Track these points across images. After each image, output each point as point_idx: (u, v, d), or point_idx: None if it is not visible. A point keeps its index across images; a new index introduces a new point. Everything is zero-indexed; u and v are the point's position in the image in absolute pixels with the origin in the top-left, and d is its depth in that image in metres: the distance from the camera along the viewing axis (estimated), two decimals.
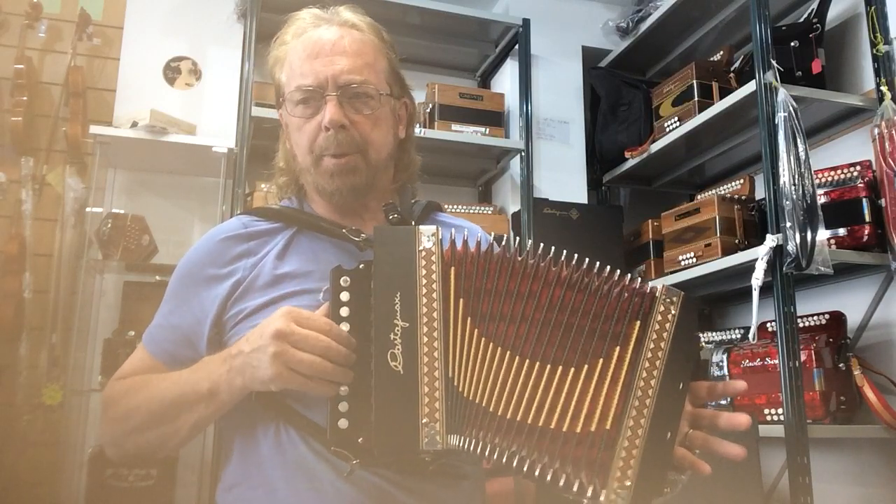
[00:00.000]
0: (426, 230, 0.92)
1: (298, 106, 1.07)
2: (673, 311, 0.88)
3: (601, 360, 0.87)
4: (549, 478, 0.83)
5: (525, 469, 0.84)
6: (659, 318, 0.88)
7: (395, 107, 1.15)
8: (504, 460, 0.84)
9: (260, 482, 0.99)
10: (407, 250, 0.91)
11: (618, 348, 0.88)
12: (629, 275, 0.92)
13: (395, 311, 0.88)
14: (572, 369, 0.87)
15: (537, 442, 0.85)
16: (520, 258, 0.91)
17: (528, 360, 0.88)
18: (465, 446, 0.86)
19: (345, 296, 0.92)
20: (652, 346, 0.87)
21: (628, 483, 0.83)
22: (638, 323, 0.88)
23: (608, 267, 0.91)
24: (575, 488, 0.83)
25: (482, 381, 0.88)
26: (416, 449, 0.85)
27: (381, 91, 1.09)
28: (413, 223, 1.08)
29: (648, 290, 0.89)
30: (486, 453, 0.85)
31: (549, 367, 0.88)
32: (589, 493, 0.83)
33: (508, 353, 0.88)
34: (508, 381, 0.88)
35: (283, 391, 0.97)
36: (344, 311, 0.91)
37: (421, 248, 0.91)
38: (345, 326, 0.91)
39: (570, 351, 0.88)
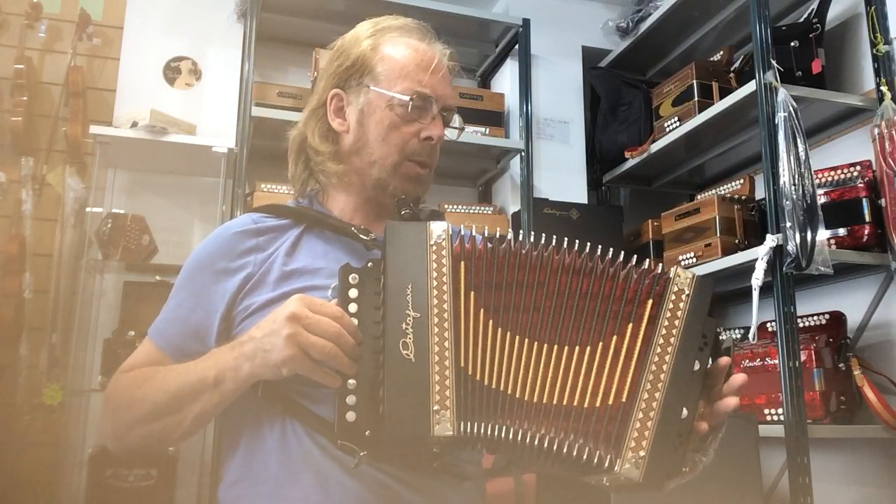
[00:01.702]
0: (436, 226, 0.94)
1: (408, 108, 1.10)
2: (687, 292, 0.92)
3: (615, 338, 0.91)
4: (565, 451, 0.86)
5: (545, 446, 0.86)
6: (673, 297, 0.92)
7: None
8: (528, 441, 0.87)
9: (265, 478, 1.00)
10: (418, 244, 0.93)
11: (631, 325, 0.91)
12: (634, 257, 0.95)
13: (406, 302, 0.90)
14: (588, 348, 0.91)
15: (555, 420, 0.88)
16: (524, 251, 0.94)
17: (545, 344, 0.91)
18: (481, 432, 0.87)
19: (353, 293, 0.93)
20: (666, 323, 0.91)
21: (642, 453, 0.86)
22: (650, 302, 0.92)
23: (611, 250, 0.94)
24: (595, 461, 0.86)
25: (497, 366, 0.90)
26: (427, 435, 0.86)
27: (460, 125, 1.21)
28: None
29: (661, 272, 0.93)
30: (507, 436, 0.87)
31: (566, 348, 0.91)
32: (606, 465, 0.86)
33: (526, 339, 0.91)
34: (523, 364, 0.90)
35: (289, 386, 0.98)
36: (352, 308, 0.93)
37: (432, 242, 0.93)
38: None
39: (585, 332, 0.92)
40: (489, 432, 0.87)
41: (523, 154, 2.86)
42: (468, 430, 0.87)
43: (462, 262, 0.93)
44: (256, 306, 1.04)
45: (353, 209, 1.16)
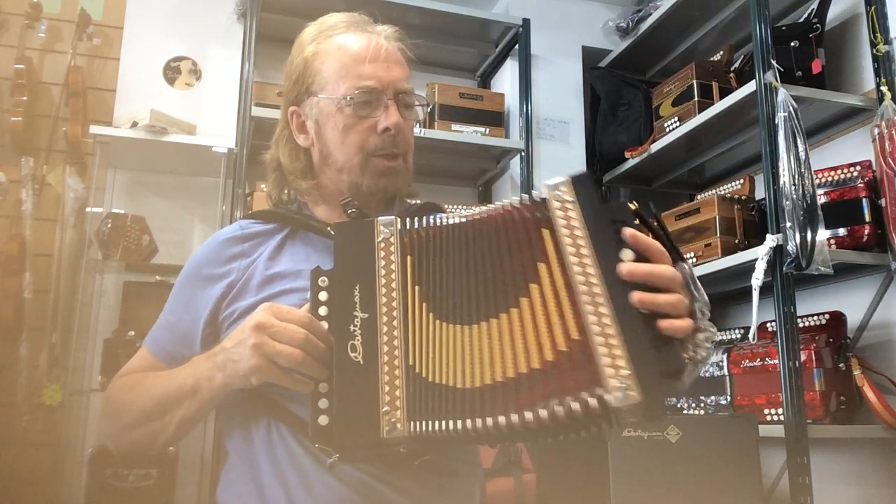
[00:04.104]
0: (384, 221, 0.93)
1: (353, 106, 1.08)
2: (569, 198, 0.85)
3: (535, 285, 0.85)
4: (554, 417, 0.78)
5: (526, 426, 0.79)
6: (560, 213, 0.85)
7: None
8: (490, 428, 0.81)
9: (252, 476, 1.02)
10: (366, 243, 0.92)
11: (543, 265, 0.85)
12: (523, 195, 0.91)
13: (354, 304, 0.89)
14: (516, 310, 0.85)
15: (524, 394, 0.81)
16: (456, 222, 0.92)
17: (475, 326, 0.86)
18: (434, 429, 0.84)
19: (323, 296, 0.93)
20: (570, 241, 0.83)
21: (625, 372, 0.76)
22: (546, 231, 0.86)
23: (505, 200, 0.91)
24: (579, 409, 0.77)
25: (439, 360, 0.87)
26: (377, 438, 0.85)
27: (421, 102, 1.15)
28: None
29: (539, 197, 0.88)
30: (462, 429, 0.82)
31: (494, 321, 0.86)
32: (596, 405, 0.77)
33: (458, 325, 0.87)
34: (460, 352, 0.86)
35: (271, 388, 0.98)
36: (322, 311, 0.92)
37: (379, 239, 0.92)
38: (323, 325, 0.92)
39: (509, 295, 0.86)
40: (442, 428, 0.83)
41: (523, 154, 2.86)
42: (420, 429, 0.84)
43: (409, 257, 0.91)
44: (240, 311, 1.06)
45: (338, 217, 1.14)
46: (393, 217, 0.93)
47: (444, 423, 0.83)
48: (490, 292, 0.87)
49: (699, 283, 0.89)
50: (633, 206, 0.87)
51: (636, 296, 0.79)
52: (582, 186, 0.86)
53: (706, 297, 0.89)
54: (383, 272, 0.90)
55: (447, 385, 0.85)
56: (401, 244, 0.92)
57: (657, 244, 0.85)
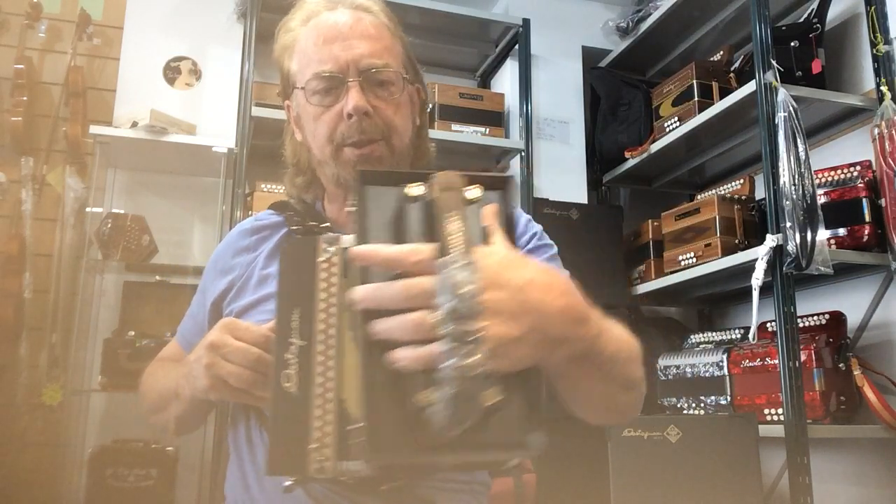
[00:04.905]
0: (327, 239, 0.83)
1: (316, 94, 1.01)
2: (352, 206, 0.72)
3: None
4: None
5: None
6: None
7: (412, 92, 1.09)
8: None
9: (241, 475, 1.02)
10: (308, 263, 0.82)
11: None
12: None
13: (290, 329, 0.81)
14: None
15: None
16: None
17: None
18: (359, 470, 0.77)
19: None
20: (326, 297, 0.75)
21: (359, 425, 0.67)
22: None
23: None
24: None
25: (357, 392, 0.76)
26: (306, 475, 0.78)
27: (401, 75, 1.04)
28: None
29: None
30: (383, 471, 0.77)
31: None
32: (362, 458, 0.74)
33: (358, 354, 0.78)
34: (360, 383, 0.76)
35: None
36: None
37: (321, 259, 0.82)
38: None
39: None
40: (370, 471, 0.77)
41: (523, 154, 2.86)
42: (347, 468, 0.77)
43: (347, 279, 0.82)
44: (237, 311, 1.05)
45: (340, 211, 1.11)
46: (337, 234, 0.84)
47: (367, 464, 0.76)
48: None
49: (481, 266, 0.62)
50: (413, 191, 0.68)
51: (369, 330, 0.66)
52: (359, 186, 0.72)
53: (469, 293, 0.60)
54: (323, 296, 0.81)
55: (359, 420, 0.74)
56: (345, 264, 0.81)
57: (399, 250, 0.66)
